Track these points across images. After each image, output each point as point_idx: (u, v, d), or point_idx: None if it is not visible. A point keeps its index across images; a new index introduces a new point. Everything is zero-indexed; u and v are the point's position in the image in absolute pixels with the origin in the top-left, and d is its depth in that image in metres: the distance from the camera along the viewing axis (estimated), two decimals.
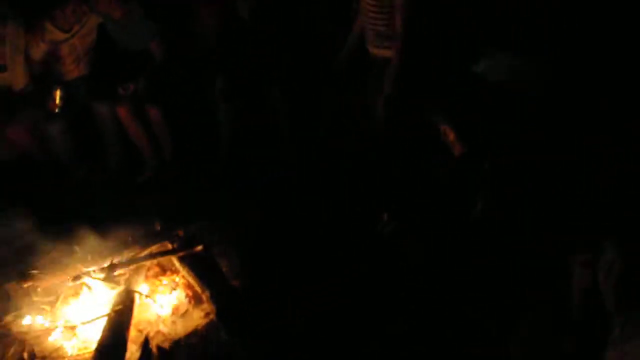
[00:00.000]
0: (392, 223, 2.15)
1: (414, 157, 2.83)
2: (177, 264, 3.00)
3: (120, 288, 2.88)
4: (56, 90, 3.71)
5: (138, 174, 3.89)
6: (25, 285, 2.94)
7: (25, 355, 2.66)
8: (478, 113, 2.05)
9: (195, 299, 2.96)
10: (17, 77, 3.82)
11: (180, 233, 3.11)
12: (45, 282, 2.95)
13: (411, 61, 2.81)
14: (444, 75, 2.32)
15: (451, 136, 2.04)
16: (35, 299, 2.91)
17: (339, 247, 2.78)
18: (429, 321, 2.30)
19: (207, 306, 2.87)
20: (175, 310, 2.93)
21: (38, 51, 3.79)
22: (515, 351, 1.96)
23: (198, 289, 2.89)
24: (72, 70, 3.93)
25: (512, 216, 2.06)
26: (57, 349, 2.70)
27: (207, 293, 2.81)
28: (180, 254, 2.99)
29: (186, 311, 2.93)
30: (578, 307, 1.84)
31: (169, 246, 3.05)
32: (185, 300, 2.97)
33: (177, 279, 3.07)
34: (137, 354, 2.62)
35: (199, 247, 2.97)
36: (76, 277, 2.91)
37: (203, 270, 2.93)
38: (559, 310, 1.95)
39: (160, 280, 3.08)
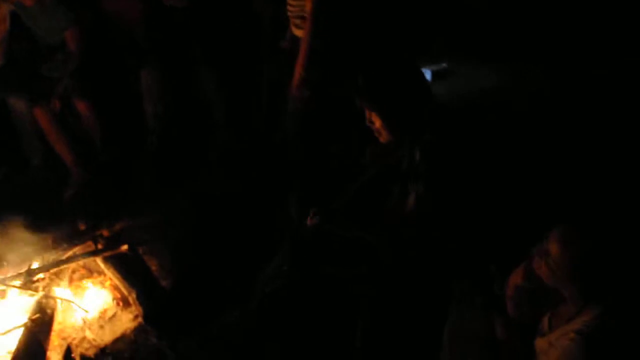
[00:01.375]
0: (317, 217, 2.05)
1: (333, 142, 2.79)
2: (102, 265, 2.85)
3: (40, 295, 2.70)
4: None
5: (64, 188, 3.60)
6: None
7: None
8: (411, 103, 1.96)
9: (124, 302, 2.84)
10: None
11: (105, 233, 2.96)
12: None
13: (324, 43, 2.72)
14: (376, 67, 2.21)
15: (377, 123, 1.95)
16: None
17: (267, 244, 2.67)
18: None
19: (134, 309, 2.74)
20: (102, 314, 2.80)
21: None
22: (446, 340, 1.92)
23: (124, 290, 2.75)
24: None
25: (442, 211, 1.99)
26: None
27: (134, 295, 2.70)
28: (105, 254, 2.83)
29: (114, 315, 2.80)
30: (510, 298, 1.81)
31: (93, 247, 2.87)
32: (112, 304, 2.84)
33: (104, 282, 2.91)
34: None
35: (125, 247, 2.83)
36: None
37: (129, 271, 2.79)
38: (490, 300, 1.92)
39: (85, 284, 2.92)
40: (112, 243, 2.87)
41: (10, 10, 3.61)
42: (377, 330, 2.06)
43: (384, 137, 1.98)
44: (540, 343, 1.70)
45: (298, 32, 3.09)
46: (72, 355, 2.53)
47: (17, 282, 2.72)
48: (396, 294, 2.03)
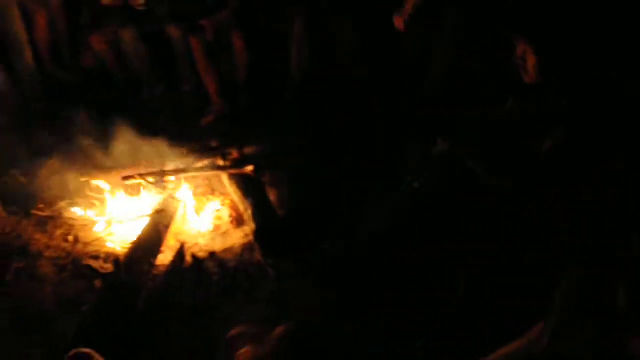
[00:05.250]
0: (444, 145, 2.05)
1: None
2: (225, 180, 3.10)
3: (167, 194, 3.01)
4: None
5: (204, 114, 3.95)
6: (82, 179, 3.16)
7: (70, 237, 2.87)
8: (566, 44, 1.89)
9: (237, 222, 3.07)
10: None
11: (235, 153, 3.19)
12: (99, 179, 3.14)
13: None
14: None
15: (530, 59, 1.90)
16: (88, 192, 3.11)
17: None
18: None
19: (247, 229, 2.95)
20: (216, 229, 3.06)
21: None
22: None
23: (241, 207, 2.98)
24: None
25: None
26: (98, 240, 2.89)
27: (250, 211, 2.88)
28: (232, 171, 3.07)
29: (226, 231, 3.05)
30: None
31: (221, 162, 3.12)
32: (227, 221, 3.07)
33: (223, 200, 3.16)
34: (170, 259, 2.73)
35: (250, 168, 3.05)
36: (127, 177, 3.08)
37: (249, 191, 3.00)
38: None
39: (207, 198, 3.19)
40: (239, 163, 3.10)
41: None
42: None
43: (530, 77, 1.94)
44: None
45: None
46: (184, 252, 2.78)
47: (151, 180, 3.05)
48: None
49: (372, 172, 3.01)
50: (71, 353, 1.61)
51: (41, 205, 3.07)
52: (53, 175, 3.25)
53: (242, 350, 1.61)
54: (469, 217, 2.08)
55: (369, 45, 3.84)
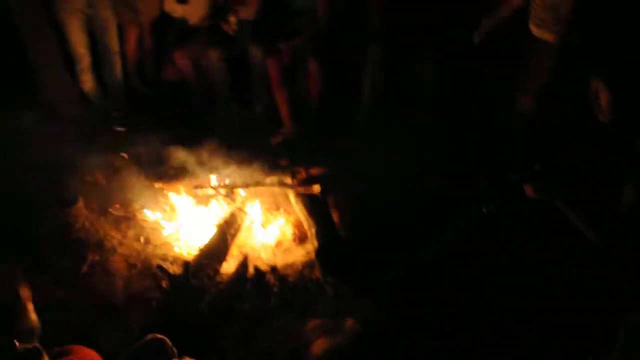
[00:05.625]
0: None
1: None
2: (292, 198, 3.19)
3: (236, 205, 3.13)
4: (232, 15, 4.12)
5: (274, 134, 4.10)
6: (157, 185, 3.33)
7: (142, 238, 3.03)
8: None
9: (300, 239, 3.17)
10: (196, 11, 4.32)
11: (302, 172, 3.29)
12: (172, 187, 3.32)
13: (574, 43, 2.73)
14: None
15: (603, 96, 1.93)
16: (161, 198, 3.28)
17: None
18: None
19: (309, 247, 3.03)
20: (278, 244, 3.16)
21: None
22: None
23: (305, 225, 3.07)
24: (242, 11, 4.32)
25: None
26: (166, 244, 3.05)
27: (314, 230, 2.96)
28: (299, 189, 3.17)
29: (288, 247, 3.15)
30: None
31: (289, 180, 3.23)
32: (290, 238, 3.16)
33: (288, 218, 3.25)
34: (233, 269, 2.83)
35: (317, 188, 3.14)
36: (199, 186, 3.23)
37: (314, 210, 3.08)
38: None
39: (272, 214, 3.30)
40: (307, 182, 3.20)
41: None
42: None
43: (604, 116, 1.95)
44: None
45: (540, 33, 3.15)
46: (247, 264, 2.87)
47: (222, 191, 3.20)
48: None
49: (437, 196, 3.06)
50: (148, 337, 1.71)
51: (117, 206, 3.26)
52: (130, 178, 3.44)
53: (319, 341, 1.70)
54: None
55: (442, 76, 3.90)
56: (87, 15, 4.04)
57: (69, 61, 4.17)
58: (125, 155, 3.63)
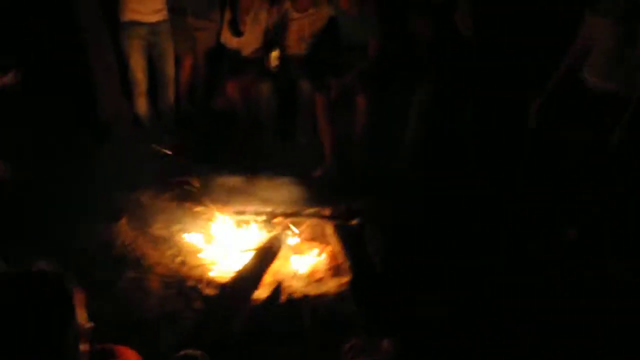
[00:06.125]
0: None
1: None
2: (329, 230, 3.22)
3: (274, 233, 3.17)
4: (274, 51, 4.27)
5: (316, 166, 4.16)
6: (197, 209, 3.41)
7: (178, 259, 3.10)
8: None
9: (334, 271, 3.15)
10: (249, 43, 4.49)
11: (342, 205, 3.32)
12: (213, 210, 3.39)
13: None
14: None
15: None
16: (201, 221, 3.36)
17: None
18: None
19: (343, 279, 3.01)
20: (312, 274, 3.17)
21: (271, 23, 4.39)
22: None
23: (341, 257, 3.07)
24: (294, 46, 4.50)
25: None
26: (202, 266, 3.10)
27: (349, 263, 2.95)
28: (337, 222, 3.19)
29: (322, 278, 3.14)
30: None
31: (327, 213, 3.26)
32: (324, 269, 3.16)
33: (324, 249, 3.26)
34: (266, 295, 2.84)
35: (354, 221, 3.15)
36: (239, 212, 3.30)
37: (351, 243, 3.09)
38: None
39: (309, 244, 3.32)
40: (345, 215, 3.22)
41: (330, 14, 4.36)
42: None
43: None
44: None
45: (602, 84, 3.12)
46: (280, 291, 2.88)
47: (262, 218, 3.25)
48: None
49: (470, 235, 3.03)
50: (181, 353, 1.73)
51: (158, 225, 3.35)
52: (173, 200, 3.54)
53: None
54: None
55: (487, 123, 3.91)
56: (149, 42, 4.26)
57: (126, 84, 4.39)
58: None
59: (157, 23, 4.27)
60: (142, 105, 4.40)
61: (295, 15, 4.43)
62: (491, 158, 3.85)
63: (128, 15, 4.20)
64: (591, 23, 3.08)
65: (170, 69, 4.40)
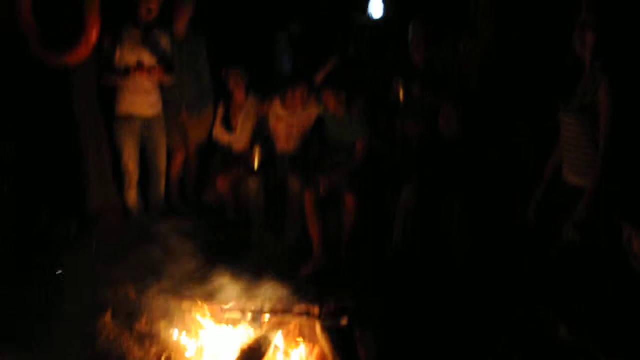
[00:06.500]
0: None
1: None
2: (318, 329, 3.19)
3: (261, 333, 3.14)
4: (256, 148, 4.43)
5: (304, 263, 4.20)
6: (185, 305, 3.37)
7: (163, 357, 3.03)
8: None
9: None
10: (241, 140, 4.65)
11: (331, 304, 3.31)
12: (199, 307, 3.36)
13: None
14: None
15: (636, 244, 1.99)
16: (187, 318, 3.31)
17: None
18: None
19: None
20: None
21: (260, 120, 4.59)
22: None
23: (330, 358, 3.01)
24: (283, 144, 4.66)
25: None
26: None
27: None
28: (326, 322, 3.17)
29: None
30: None
31: (316, 311, 3.24)
32: None
33: (312, 349, 3.22)
34: None
35: (344, 322, 3.14)
36: (225, 310, 3.26)
37: (340, 345, 3.06)
38: None
39: (297, 343, 3.27)
40: (334, 314, 3.21)
41: (318, 114, 4.56)
42: None
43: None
44: None
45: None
46: None
47: (249, 316, 3.22)
48: None
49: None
50: None
51: (144, 321, 3.29)
52: (160, 295, 3.50)
53: None
54: None
55: (477, 220, 4.02)
56: (143, 135, 4.38)
57: (117, 174, 4.45)
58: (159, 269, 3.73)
59: (152, 117, 4.41)
60: (132, 196, 4.45)
61: (284, 113, 4.62)
62: (480, 256, 3.93)
63: (123, 109, 4.34)
64: (563, 120, 3.23)
65: (162, 163, 4.50)
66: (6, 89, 4.43)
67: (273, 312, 3.27)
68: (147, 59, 4.31)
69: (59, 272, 3.50)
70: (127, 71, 4.22)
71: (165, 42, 4.43)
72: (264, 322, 3.26)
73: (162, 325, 3.27)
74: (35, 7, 3.88)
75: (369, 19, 5.69)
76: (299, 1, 5.62)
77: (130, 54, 4.28)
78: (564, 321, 2.13)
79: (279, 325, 3.27)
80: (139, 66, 4.21)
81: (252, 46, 5.33)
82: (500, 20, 4.30)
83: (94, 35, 3.95)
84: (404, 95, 4.32)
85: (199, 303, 3.42)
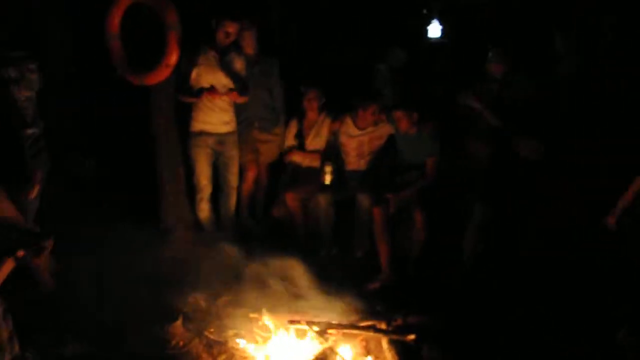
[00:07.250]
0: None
1: None
2: (385, 344, 3.16)
3: (327, 345, 3.13)
4: (328, 165, 4.47)
5: (372, 280, 4.19)
6: (252, 315, 3.43)
7: None
8: None
9: None
10: (311, 157, 4.71)
11: (399, 320, 3.28)
12: (268, 318, 3.39)
13: None
14: None
15: None
16: (255, 329, 3.36)
17: None
18: None
19: None
20: None
21: (331, 138, 4.65)
22: None
23: None
24: (353, 162, 4.70)
25: None
26: None
27: None
28: (393, 337, 3.14)
29: None
30: None
31: (383, 326, 3.22)
32: None
33: None
34: None
35: (412, 337, 3.09)
36: (294, 322, 3.30)
37: (407, 359, 3.00)
38: None
39: (362, 357, 3.24)
40: (401, 330, 3.17)
41: (390, 132, 4.57)
42: None
43: None
44: None
45: None
46: None
47: (316, 329, 3.23)
48: None
49: None
50: None
51: (212, 329, 3.37)
52: (228, 305, 3.59)
53: None
54: None
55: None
56: (216, 151, 4.54)
57: (190, 188, 4.63)
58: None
59: (225, 134, 4.56)
60: (204, 210, 4.60)
61: (354, 131, 4.67)
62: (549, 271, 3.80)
63: (198, 126, 4.52)
64: None
65: (234, 179, 4.63)
66: (89, 108, 4.78)
67: (339, 325, 3.27)
68: (223, 80, 4.48)
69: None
70: (200, 92, 4.41)
71: (240, 64, 4.59)
72: (330, 335, 3.26)
73: (230, 334, 3.34)
74: (122, 32, 4.16)
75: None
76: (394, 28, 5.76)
77: (207, 76, 4.46)
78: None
79: (345, 339, 3.27)
80: (211, 89, 4.39)
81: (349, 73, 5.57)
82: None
83: (173, 58, 4.17)
84: (473, 118, 4.32)
85: (267, 313, 3.48)
